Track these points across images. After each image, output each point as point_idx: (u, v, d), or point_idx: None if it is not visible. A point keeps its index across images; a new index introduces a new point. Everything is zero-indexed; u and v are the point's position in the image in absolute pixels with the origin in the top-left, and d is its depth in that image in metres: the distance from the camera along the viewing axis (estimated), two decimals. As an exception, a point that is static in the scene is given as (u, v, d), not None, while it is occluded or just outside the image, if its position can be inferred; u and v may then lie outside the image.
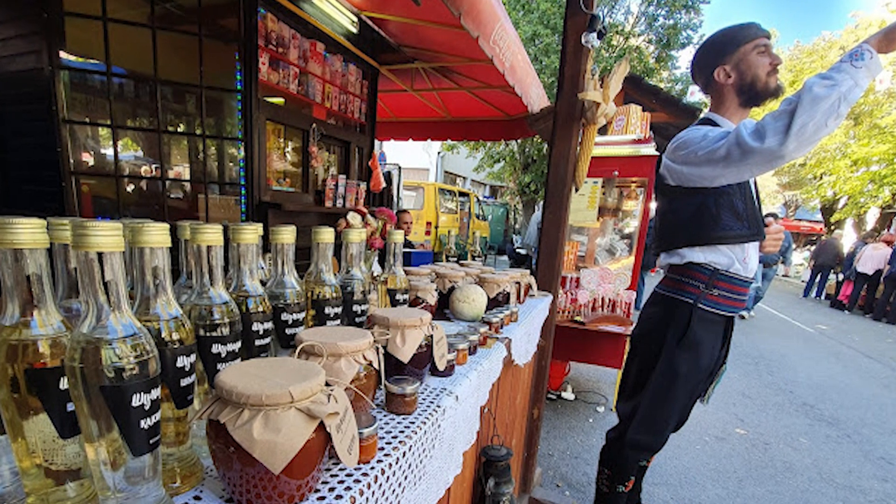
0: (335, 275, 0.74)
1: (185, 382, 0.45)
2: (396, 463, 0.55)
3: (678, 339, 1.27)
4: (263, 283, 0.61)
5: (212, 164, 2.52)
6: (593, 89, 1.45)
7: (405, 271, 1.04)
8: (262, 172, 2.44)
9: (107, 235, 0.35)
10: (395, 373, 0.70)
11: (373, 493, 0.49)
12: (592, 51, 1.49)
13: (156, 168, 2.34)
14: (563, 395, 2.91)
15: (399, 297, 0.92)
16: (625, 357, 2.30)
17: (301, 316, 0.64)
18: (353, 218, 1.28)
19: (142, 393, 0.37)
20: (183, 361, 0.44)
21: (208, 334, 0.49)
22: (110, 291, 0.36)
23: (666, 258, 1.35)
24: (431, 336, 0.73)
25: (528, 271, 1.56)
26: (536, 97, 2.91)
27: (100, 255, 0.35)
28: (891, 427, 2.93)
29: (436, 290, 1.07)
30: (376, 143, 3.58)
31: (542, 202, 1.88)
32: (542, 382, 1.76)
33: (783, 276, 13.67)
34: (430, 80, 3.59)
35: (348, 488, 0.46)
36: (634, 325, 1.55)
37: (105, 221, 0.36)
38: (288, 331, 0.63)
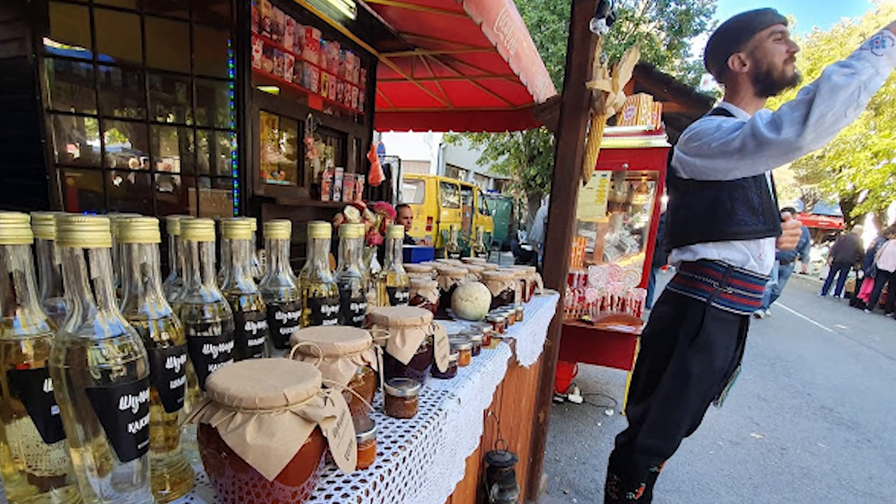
0: (332, 272, 0.73)
1: (174, 384, 0.44)
2: (396, 469, 0.53)
3: (691, 340, 1.24)
4: (257, 281, 0.60)
5: (203, 156, 2.47)
6: (602, 78, 1.42)
7: (405, 268, 1.02)
8: (255, 165, 2.39)
9: (93, 231, 0.34)
10: (395, 374, 0.69)
11: (371, 500, 0.48)
12: (601, 38, 1.46)
13: (144, 160, 2.30)
14: (571, 397, 2.87)
15: (399, 295, 0.90)
16: (635, 358, 2.26)
17: (296, 315, 0.63)
18: (351, 212, 1.27)
19: (130, 395, 0.36)
20: (173, 363, 0.43)
21: (199, 334, 0.48)
22: (97, 289, 0.35)
23: (678, 255, 1.32)
24: (433, 336, 0.72)
25: (533, 268, 1.54)
26: (542, 86, 2.83)
27: (86, 251, 0.34)
28: (914, 430, 2.84)
29: (437, 287, 1.05)
30: (375, 134, 3.53)
31: (548, 196, 1.86)
32: (548, 384, 1.73)
33: (800, 273, 13.40)
34: (431, 69, 3.53)
35: (346, 495, 0.45)
36: (645, 324, 1.51)
37: (91, 216, 0.35)
38: (282, 331, 0.62)
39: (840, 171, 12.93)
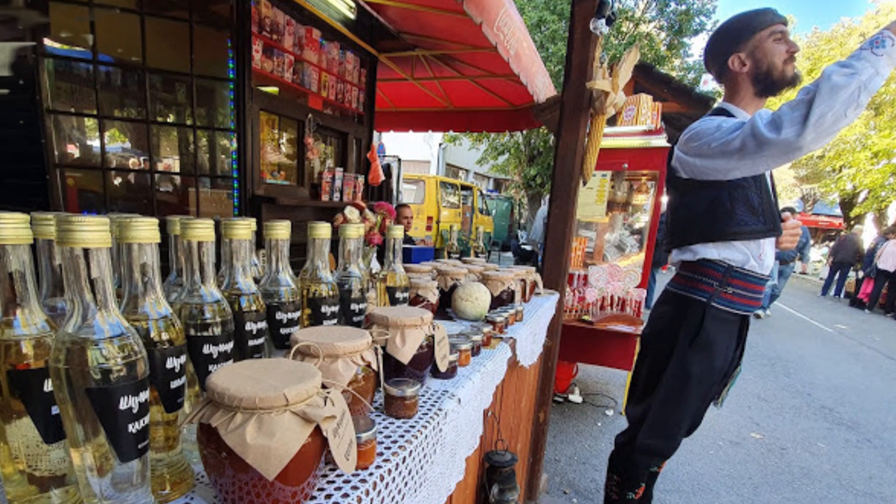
0: (332, 272, 0.73)
1: (174, 384, 0.43)
2: (396, 469, 0.53)
3: (691, 340, 1.24)
4: (257, 281, 0.60)
5: (203, 156, 2.47)
6: (602, 78, 1.42)
7: (405, 268, 1.02)
8: (255, 165, 2.40)
9: (93, 231, 0.34)
10: (395, 374, 0.68)
11: (371, 500, 0.48)
12: (601, 38, 1.46)
13: (144, 160, 2.31)
14: (571, 397, 2.87)
15: (399, 295, 0.90)
16: (635, 358, 2.26)
17: (296, 315, 0.63)
18: (351, 212, 1.27)
19: (130, 395, 0.36)
20: (173, 363, 0.43)
21: (199, 334, 0.48)
22: (97, 289, 0.35)
23: (678, 255, 1.32)
24: (433, 336, 0.71)
25: (533, 268, 1.54)
26: (542, 86, 2.83)
27: (86, 251, 0.34)
28: (914, 430, 2.84)
29: (437, 287, 1.05)
30: (375, 134, 3.54)
31: (548, 196, 1.85)
32: (548, 384, 1.73)
33: (800, 273, 13.40)
34: (431, 69, 3.53)
35: (346, 495, 0.45)
36: (645, 324, 1.51)
37: (91, 216, 0.35)
38: (282, 331, 0.62)
39: (840, 171, 12.94)
